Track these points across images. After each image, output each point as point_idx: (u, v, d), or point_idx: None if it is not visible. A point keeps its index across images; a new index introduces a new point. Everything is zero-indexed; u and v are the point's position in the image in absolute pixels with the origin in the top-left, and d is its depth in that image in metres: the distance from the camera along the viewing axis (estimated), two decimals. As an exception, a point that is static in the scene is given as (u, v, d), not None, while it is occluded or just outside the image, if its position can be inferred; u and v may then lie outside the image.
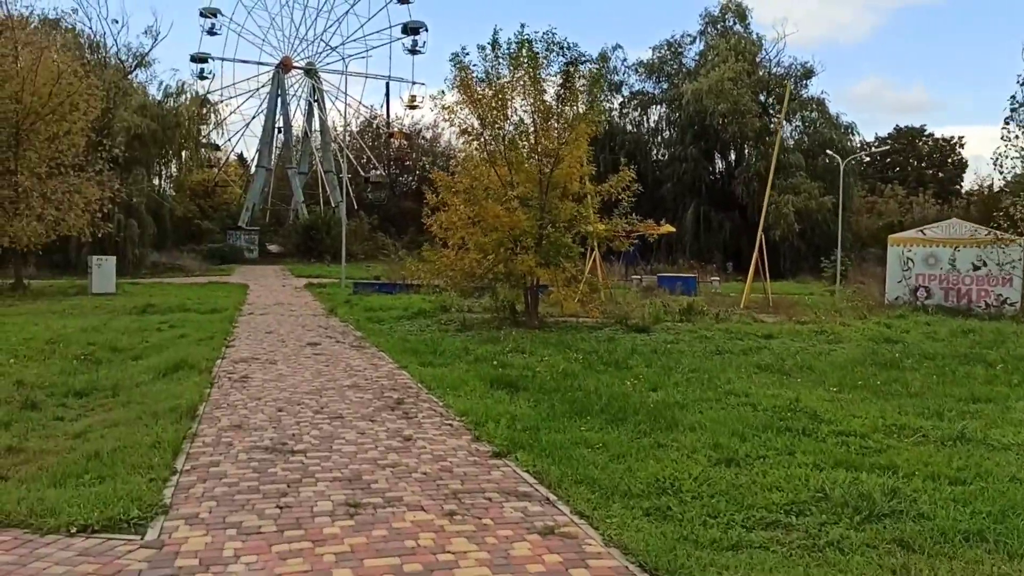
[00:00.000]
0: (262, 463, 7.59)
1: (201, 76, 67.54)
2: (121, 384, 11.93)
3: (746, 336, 18.31)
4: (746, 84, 59.77)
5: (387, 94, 78.10)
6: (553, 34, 20.80)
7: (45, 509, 6.11)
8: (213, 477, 7.13)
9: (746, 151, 62.37)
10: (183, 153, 51.90)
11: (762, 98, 63.21)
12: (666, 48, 67.03)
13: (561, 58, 20.90)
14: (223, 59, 70.00)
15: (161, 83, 48.28)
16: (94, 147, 31.73)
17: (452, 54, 20.78)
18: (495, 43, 20.76)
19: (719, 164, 66.21)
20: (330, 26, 71.03)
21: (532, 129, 20.55)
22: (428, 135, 76.99)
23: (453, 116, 20.63)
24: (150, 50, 49.21)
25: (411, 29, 69.36)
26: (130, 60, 46.56)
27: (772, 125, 62.91)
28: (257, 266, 54.31)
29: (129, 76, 46.28)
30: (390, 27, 70.56)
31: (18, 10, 36.85)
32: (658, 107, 67.73)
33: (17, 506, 6.18)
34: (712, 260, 52.30)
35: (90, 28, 47.02)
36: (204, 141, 60.07)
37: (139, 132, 42.12)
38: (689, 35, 67.19)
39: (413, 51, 69.65)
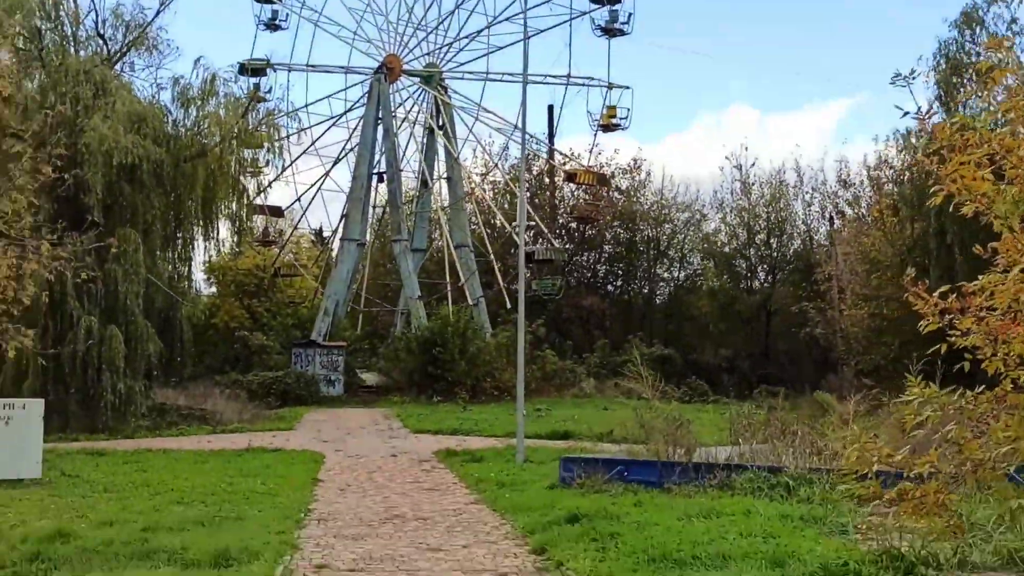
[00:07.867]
0: None
1: (256, 97, 62.95)
2: None
3: None
4: None
5: (550, 116, 68.66)
6: None
7: None
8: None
9: None
10: (215, 210, 44.32)
11: None
12: None
13: None
14: (291, 67, 64.88)
15: (177, 80, 40.38)
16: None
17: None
18: None
19: None
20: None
21: None
22: (623, 183, 71.24)
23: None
24: (155, 17, 41.51)
25: (606, -6, 61.20)
26: (119, 37, 40.35)
27: None
28: (342, 409, 50.70)
29: (117, 64, 40.32)
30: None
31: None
32: None
33: None
34: None
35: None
36: (256, 195, 54.32)
37: (130, 162, 35.21)
38: None
39: (609, 31, 61.55)
